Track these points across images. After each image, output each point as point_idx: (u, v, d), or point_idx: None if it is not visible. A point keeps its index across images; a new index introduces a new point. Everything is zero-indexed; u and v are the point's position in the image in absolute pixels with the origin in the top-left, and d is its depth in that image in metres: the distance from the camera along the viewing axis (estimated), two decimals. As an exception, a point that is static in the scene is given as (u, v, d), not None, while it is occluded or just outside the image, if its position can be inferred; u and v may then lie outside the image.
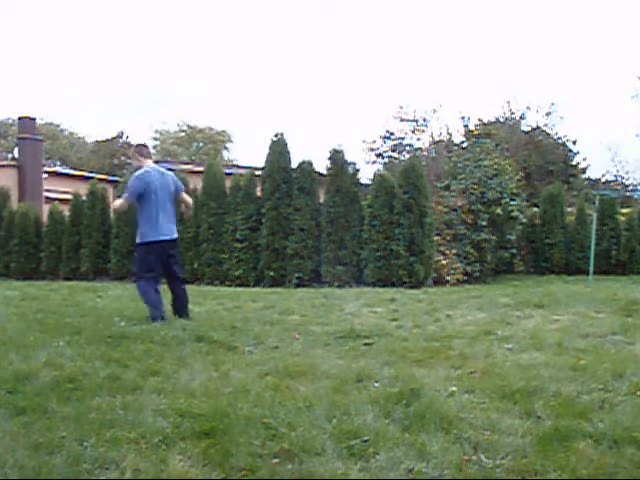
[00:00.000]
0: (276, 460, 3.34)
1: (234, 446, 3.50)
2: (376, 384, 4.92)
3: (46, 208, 21.77)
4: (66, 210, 20.02)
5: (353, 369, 5.42)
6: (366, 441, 3.59)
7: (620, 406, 4.27)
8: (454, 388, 4.74)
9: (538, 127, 34.12)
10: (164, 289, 8.38)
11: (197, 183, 18.15)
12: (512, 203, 18.80)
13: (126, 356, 5.92)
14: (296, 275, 16.13)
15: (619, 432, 3.70)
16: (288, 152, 16.85)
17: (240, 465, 3.27)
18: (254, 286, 16.21)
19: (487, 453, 3.45)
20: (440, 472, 3.21)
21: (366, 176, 19.29)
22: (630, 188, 34.79)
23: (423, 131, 27.57)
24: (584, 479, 3.14)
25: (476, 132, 28.97)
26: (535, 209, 22.68)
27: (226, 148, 61.60)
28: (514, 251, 20.45)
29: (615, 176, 36.60)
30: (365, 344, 6.70)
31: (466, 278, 16.86)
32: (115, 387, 4.79)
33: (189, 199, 9.08)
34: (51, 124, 53.98)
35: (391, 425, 3.89)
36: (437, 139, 27.32)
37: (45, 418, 4.05)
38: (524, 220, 20.55)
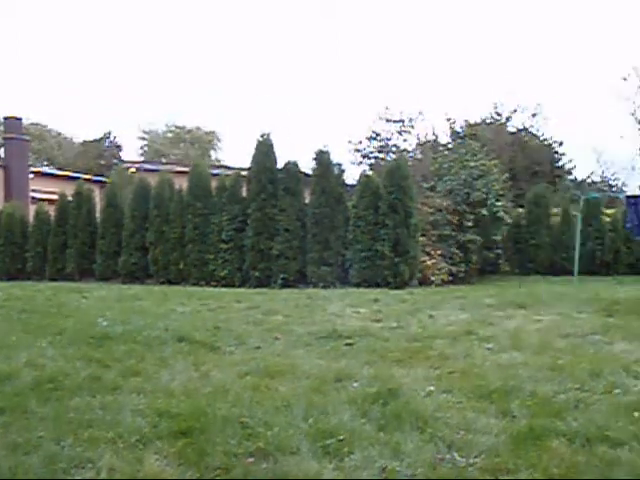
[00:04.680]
0: (251, 459, 3.37)
1: (210, 445, 3.52)
2: (355, 384, 4.96)
3: (32, 208, 21.70)
4: (52, 210, 19.96)
5: (333, 369, 5.45)
6: (341, 440, 3.62)
7: (595, 405, 4.32)
8: (432, 388, 4.78)
9: (524, 128, 34.26)
10: None
11: (183, 183, 18.10)
12: (497, 204, 18.87)
13: (107, 356, 5.94)
14: (281, 276, 16.13)
15: (592, 431, 3.75)
16: (274, 152, 16.85)
17: (215, 464, 3.30)
18: (239, 287, 16.19)
19: (461, 452, 3.48)
20: (413, 471, 3.25)
21: (352, 177, 19.33)
22: (614, 189, 34.99)
23: (409, 132, 27.61)
24: (555, 478, 3.17)
25: (462, 133, 29.08)
26: (520, 210, 22.77)
27: (214, 148, 61.52)
28: (499, 252, 20.52)
29: (601, 177, 36.82)
30: (346, 344, 6.74)
31: (451, 278, 16.90)
32: (95, 387, 4.81)
33: None
34: (38, 124, 53.71)
35: (367, 424, 3.92)
36: (423, 140, 27.39)
37: (24, 418, 4.06)
38: (509, 221, 20.62)
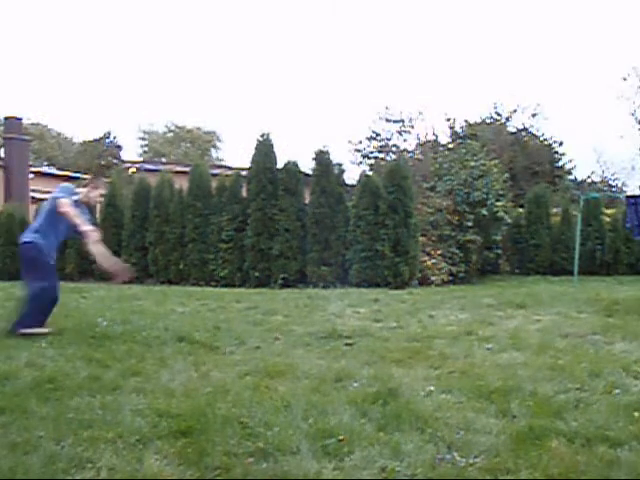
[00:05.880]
0: (251, 459, 3.36)
1: (210, 445, 3.52)
2: (355, 384, 4.96)
3: (32, 208, 21.66)
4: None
5: (333, 369, 5.45)
6: (341, 440, 3.61)
7: (595, 405, 4.32)
8: (432, 388, 4.78)
9: (525, 128, 34.28)
10: None
11: (183, 183, 18.10)
12: (497, 204, 18.86)
13: (107, 356, 5.93)
14: (281, 276, 16.14)
15: (592, 431, 3.75)
16: (274, 152, 16.86)
17: (215, 464, 3.29)
18: (239, 287, 16.19)
19: (461, 452, 3.48)
20: (413, 471, 3.24)
21: (352, 177, 19.34)
22: (615, 189, 35.01)
23: (409, 132, 27.58)
24: (555, 478, 3.17)
25: (462, 133, 29.08)
26: (520, 210, 22.77)
27: (214, 147, 61.56)
28: (499, 252, 20.52)
29: (601, 177, 36.83)
30: (346, 344, 6.74)
31: (451, 279, 16.91)
32: (95, 387, 4.80)
33: None
34: (38, 124, 53.70)
35: (367, 424, 3.92)
36: (423, 140, 27.35)
37: (24, 418, 4.05)
38: (509, 221, 20.61)
